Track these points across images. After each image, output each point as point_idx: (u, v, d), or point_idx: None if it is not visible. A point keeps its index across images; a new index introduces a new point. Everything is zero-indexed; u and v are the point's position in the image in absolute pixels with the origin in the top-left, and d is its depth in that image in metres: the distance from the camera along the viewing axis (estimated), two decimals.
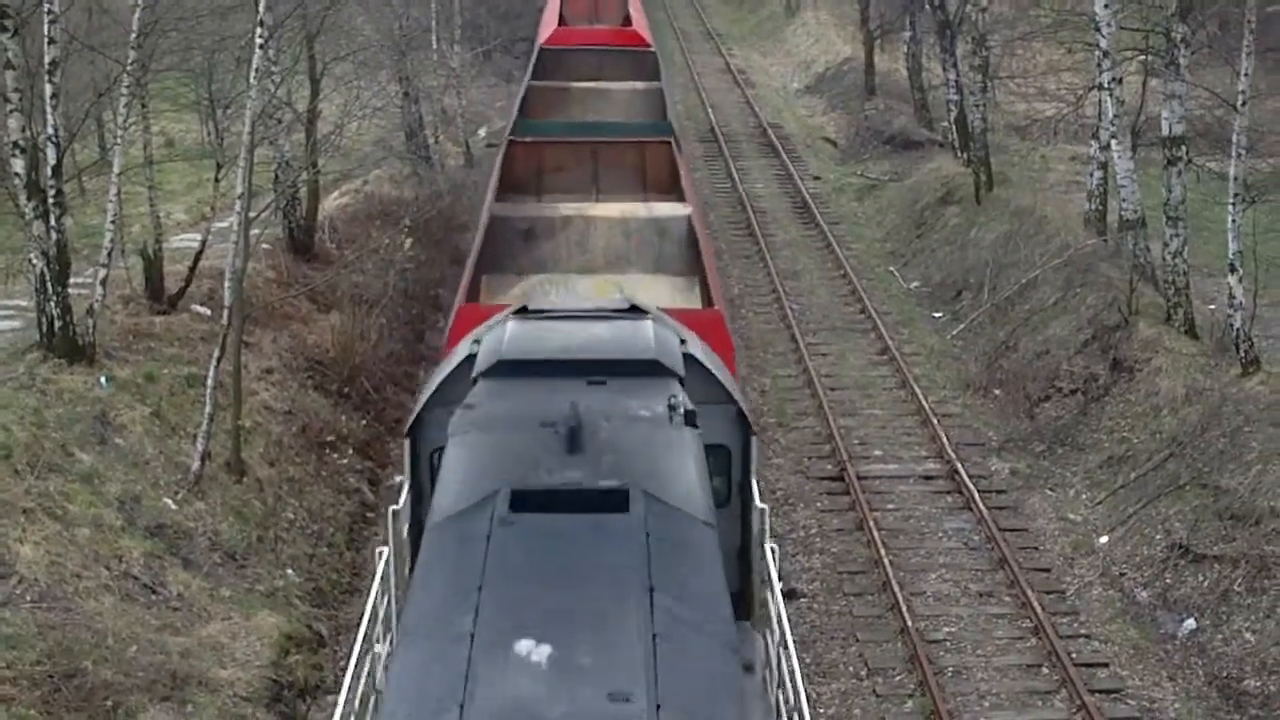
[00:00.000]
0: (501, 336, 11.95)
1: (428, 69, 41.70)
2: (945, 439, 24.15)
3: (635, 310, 12.77)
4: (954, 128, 39.41)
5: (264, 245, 26.61)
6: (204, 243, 25.07)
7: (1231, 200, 23.26)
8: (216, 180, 24.89)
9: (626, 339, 11.90)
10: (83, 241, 25.72)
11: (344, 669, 13.97)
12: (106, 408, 19.78)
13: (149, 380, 21.00)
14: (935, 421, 24.86)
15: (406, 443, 12.27)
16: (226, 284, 20.86)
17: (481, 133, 45.03)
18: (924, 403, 25.74)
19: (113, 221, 22.27)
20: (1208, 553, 19.20)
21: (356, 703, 10.42)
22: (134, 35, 22.37)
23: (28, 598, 15.80)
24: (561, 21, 40.07)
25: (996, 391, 26.73)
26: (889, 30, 50.91)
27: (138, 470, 19.07)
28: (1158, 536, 20.21)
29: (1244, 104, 23.41)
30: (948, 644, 18.46)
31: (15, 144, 19.97)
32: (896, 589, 19.40)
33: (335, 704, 10.65)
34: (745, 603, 12.10)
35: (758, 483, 12.57)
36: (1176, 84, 25.61)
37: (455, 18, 47.03)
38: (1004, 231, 32.39)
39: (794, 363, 28.52)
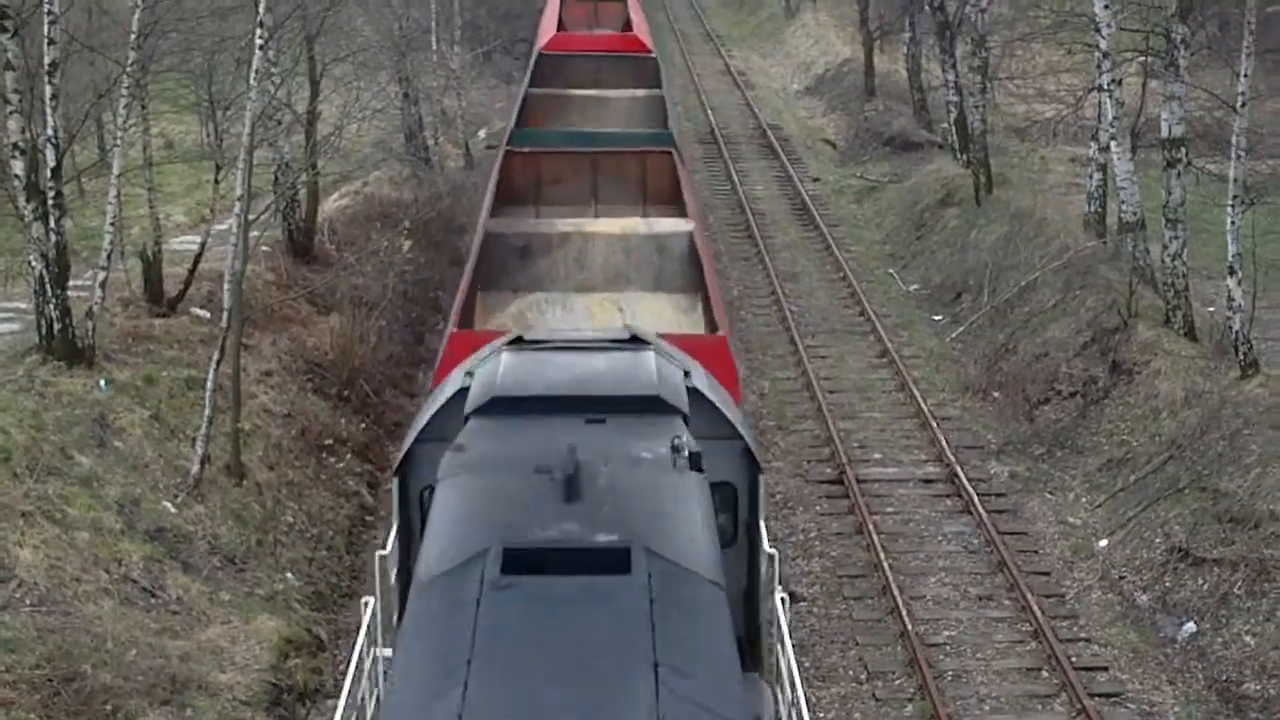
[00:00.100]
0: (495, 370, 11.45)
1: (427, 70, 41.70)
2: (945, 442, 24.14)
3: (636, 340, 12.30)
4: (953, 129, 39.41)
5: (263, 247, 26.59)
6: (203, 245, 25.05)
7: (1231, 202, 23.26)
8: (216, 182, 24.89)
9: (627, 373, 11.40)
10: (82, 244, 25.72)
11: (343, 674, 13.94)
12: (106, 411, 19.77)
13: (148, 383, 20.99)
14: (934, 424, 24.86)
15: (395, 481, 11.74)
16: (226, 286, 20.85)
17: (481, 134, 45.02)
18: (923, 405, 25.74)
19: (112, 223, 22.27)
20: (1207, 556, 19.19)
21: None
22: (134, 36, 22.37)
23: (27, 601, 15.79)
24: (560, 26, 39.60)
25: (996, 394, 26.73)
26: (888, 31, 50.92)
27: (137, 473, 19.06)
28: (1157, 540, 20.20)
29: (1244, 105, 23.41)
30: (947, 648, 18.45)
31: (15, 145, 19.96)
32: (896, 592, 19.39)
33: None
34: (752, 651, 11.55)
35: (766, 524, 12.06)
36: (1176, 85, 25.61)
37: (455, 19, 46.99)
38: (1003, 233, 32.39)
39: (793, 365, 28.51)
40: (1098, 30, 27.75)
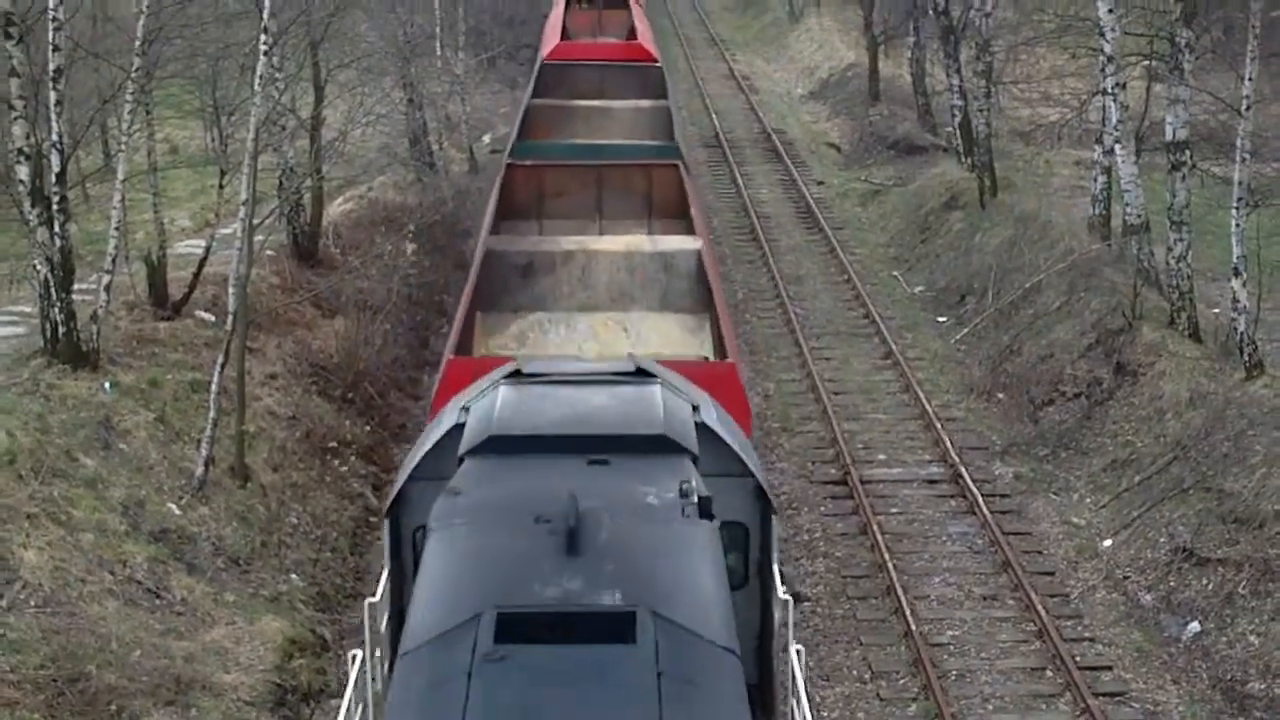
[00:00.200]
0: (492, 406, 10.82)
1: (432, 75, 41.81)
2: (949, 443, 24.15)
3: (641, 373, 11.67)
4: (958, 133, 39.42)
5: (268, 251, 26.65)
6: (208, 249, 25.12)
7: (1235, 205, 23.28)
8: (220, 187, 24.96)
9: (632, 410, 10.77)
10: (87, 248, 25.83)
11: (345, 674, 13.95)
12: (110, 413, 19.81)
13: (153, 386, 21.04)
14: (939, 426, 24.87)
15: (386, 524, 11.19)
16: (230, 290, 20.88)
17: (485, 139, 45.08)
18: (927, 407, 25.74)
19: (117, 228, 22.32)
20: (1212, 556, 19.18)
21: None
22: (138, 42, 22.43)
23: (32, 602, 15.82)
24: (564, 35, 39.08)
25: (1000, 395, 26.73)
26: (893, 36, 50.98)
27: (142, 475, 19.10)
28: (1162, 540, 20.19)
29: (1248, 109, 23.42)
30: (951, 647, 18.46)
31: (20, 150, 20.02)
32: (900, 593, 19.40)
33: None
34: (764, 700, 11.03)
35: (780, 567, 11.49)
36: (1180, 89, 25.59)
37: (459, 24, 47.04)
38: (1008, 236, 32.39)
39: (798, 367, 28.53)
40: (1102, 34, 27.74)
